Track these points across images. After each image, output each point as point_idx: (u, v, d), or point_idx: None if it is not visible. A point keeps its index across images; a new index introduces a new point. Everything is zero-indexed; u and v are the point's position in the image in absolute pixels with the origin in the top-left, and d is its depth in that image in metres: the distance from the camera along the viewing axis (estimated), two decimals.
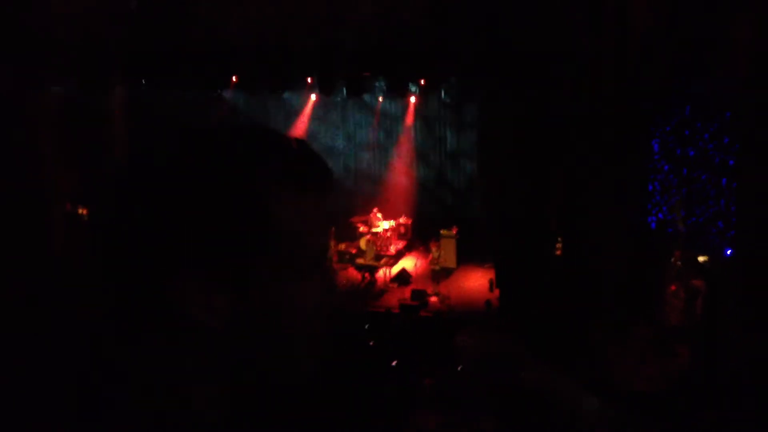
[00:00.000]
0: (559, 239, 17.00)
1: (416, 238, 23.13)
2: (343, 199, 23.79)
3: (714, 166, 14.86)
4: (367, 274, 19.57)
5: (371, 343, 14.32)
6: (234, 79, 20.61)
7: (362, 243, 20.95)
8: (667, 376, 11.63)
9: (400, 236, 23.16)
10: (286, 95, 22.38)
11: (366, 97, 22.37)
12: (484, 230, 20.74)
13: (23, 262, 14.57)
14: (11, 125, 16.20)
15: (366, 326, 15.69)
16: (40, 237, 16.23)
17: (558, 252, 17.04)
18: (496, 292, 17.65)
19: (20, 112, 16.20)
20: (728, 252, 14.71)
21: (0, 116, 16.02)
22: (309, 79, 20.32)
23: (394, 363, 13.44)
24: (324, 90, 21.58)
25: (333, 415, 11.26)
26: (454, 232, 20.76)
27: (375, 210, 22.89)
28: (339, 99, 22.17)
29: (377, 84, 19.74)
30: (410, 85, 19.93)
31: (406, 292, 18.69)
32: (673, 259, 14.61)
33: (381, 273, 19.78)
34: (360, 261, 19.87)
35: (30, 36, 15.08)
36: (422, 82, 19.68)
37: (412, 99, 22.07)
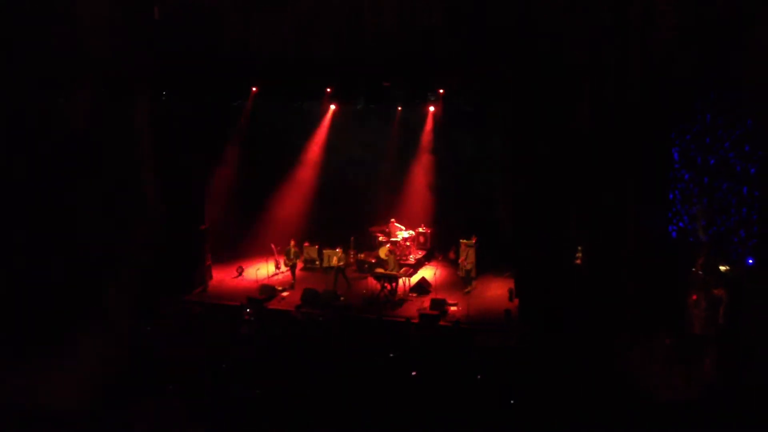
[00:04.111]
0: (579, 248, 16.97)
1: (435, 248, 23.14)
2: (362, 209, 23.87)
3: (735, 174, 14.76)
4: (386, 284, 19.57)
5: (391, 354, 14.33)
6: (254, 89, 20.77)
7: (381, 252, 20.97)
8: (691, 386, 11.57)
9: (420, 245, 23.17)
10: (305, 104, 22.47)
11: (386, 106, 22.42)
12: (504, 240, 20.74)
13: None
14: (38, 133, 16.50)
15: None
16: None
17: (578, 261, 17.00)
18: (516, 301, 17.63)
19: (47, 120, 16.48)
20: (750, 261, 14.60)
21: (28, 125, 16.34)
22: (328, 89, 20.41)
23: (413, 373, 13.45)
24: (343, 99, 21.68)
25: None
26: (473, 241, 20.73)
27: (393, 220, 22.92)
28: (358, 108, 22.24)
29: (397, 93, 19.76)
30: (430, 94, 19.97)
31: (426, 302, 18.69)
32: (694, 268, 14.51)
33: (401, 282, 19.78)
34: (379, 270, 19.88)
35: (56, 47, 15.32)
36: (442, 91, 19.71)
37: (432, 108, 22.10)
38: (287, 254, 21.42)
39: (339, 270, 20.26)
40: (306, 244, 22.43)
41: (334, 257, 20.44)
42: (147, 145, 19.15)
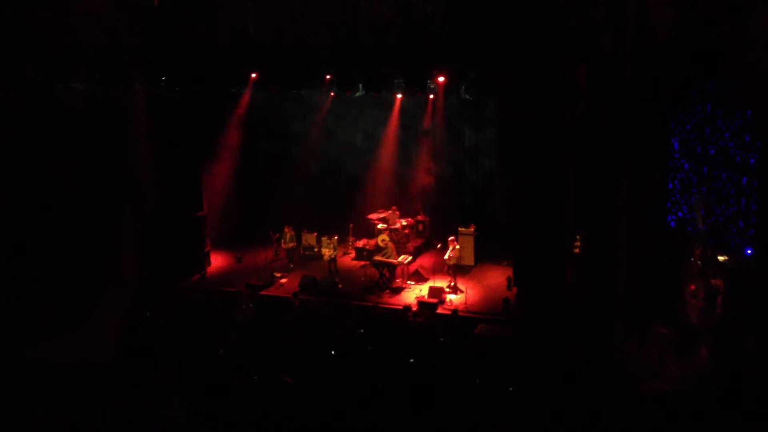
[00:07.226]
0: (578, 237, 16.95)
1: (434, 236, 23.13)
2: (361, 196, 23.86)
3: (734, 164, 14.76)
4: (385, 271, 19.56)
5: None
6: (253, 76, 20.67)
7: (380, 239, 20.96)
8: (687, 377, 11.59)
9: (418, 234, 23.17)
10: (304, 92, 22.39)
11: (384, 94, 22.35)
12: (503, 228, 20.73)
13: None
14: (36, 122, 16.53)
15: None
16: None
17: (577, 250, 16.99)
18: (514, 290, 17.64)
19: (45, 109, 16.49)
20: (748, 251, 14.61)
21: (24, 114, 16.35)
22: (327, 76, 20.32)
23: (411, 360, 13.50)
24: (342, 87, 21.58)
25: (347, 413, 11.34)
26: (472, 229, 20.73)
27: (393, 207, 22.90)
28: (357, 96, 22.17)
29: (396, 81, 19.66)
30: (429, 82, 19.86)
31: (424, 290, 18.72)
32: (692, 258, 14.51)
33: (399, 270, 19.77)
34: (378, 258, 19.86)
35: (54, 34, 15.28)
36: (441, 79, 19.62)
37: (431, 96, 22.02)
38: (283, 238, 21.51)
39: (330, 261, 20.28)
40: (299, 231, 22.42)
41: (324, 249, 20.55)
42: (144, 132, 19.14)
